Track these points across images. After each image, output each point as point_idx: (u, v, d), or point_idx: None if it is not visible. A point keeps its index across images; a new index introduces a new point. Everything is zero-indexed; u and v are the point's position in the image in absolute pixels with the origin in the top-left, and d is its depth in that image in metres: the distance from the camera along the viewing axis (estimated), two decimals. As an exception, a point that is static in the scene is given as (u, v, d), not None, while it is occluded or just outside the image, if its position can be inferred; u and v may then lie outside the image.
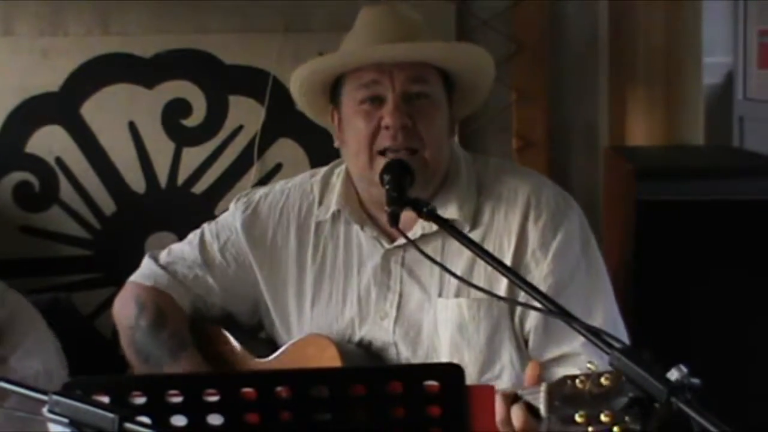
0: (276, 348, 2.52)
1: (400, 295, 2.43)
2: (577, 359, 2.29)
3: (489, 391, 2.05)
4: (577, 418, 1.82)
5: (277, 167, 3.39)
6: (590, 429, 1.80)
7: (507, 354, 2.38)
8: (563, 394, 1.89)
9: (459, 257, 2.36)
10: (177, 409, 1.84)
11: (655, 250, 2.93)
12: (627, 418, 1.78)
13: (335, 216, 2.49)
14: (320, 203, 2.51)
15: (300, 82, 2.49)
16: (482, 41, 3.22)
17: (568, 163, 3.44)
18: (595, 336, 1.83)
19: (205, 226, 2.61)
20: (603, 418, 1.82)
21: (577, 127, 3.47)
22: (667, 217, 2.93)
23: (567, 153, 3.46)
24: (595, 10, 3.44)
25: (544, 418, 2.03)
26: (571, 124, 3.47)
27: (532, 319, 2.37)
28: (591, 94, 3.47)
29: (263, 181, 3.36)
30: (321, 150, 3.34)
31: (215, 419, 1.85)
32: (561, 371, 2.28)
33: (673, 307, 2.91)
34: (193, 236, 2.60)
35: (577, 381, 1.86)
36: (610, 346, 1.80)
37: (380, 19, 2.43)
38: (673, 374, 1.71)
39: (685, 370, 1.71)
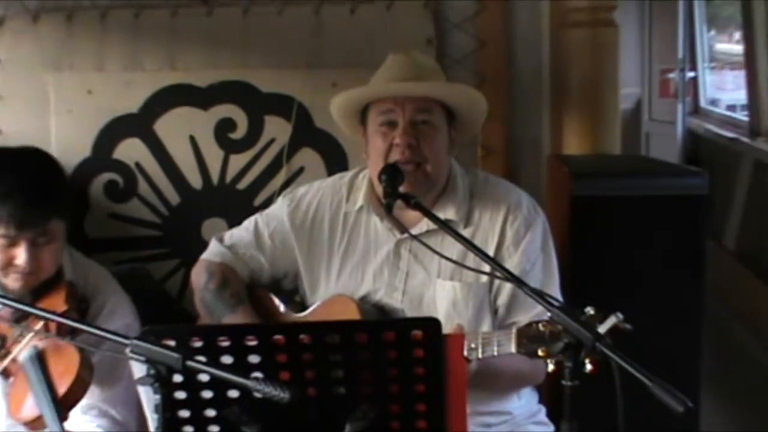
0: (306, 307, 2.52)
1: (407, 275, 2.42)
2: None
3: (460, 338, 2.04)
4: (540, 353, 1.84)
5: (300, 170, 3.37)
6: (548, 361, 1.82)
7: (487, 324, 2.39)
8: (529, 335, 1.90)
9: (454, 248, 2.33)
10: (225, 351, 1.84)
11: (587, 236, 2.91)
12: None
13: (360, 209, 2.48)
14: (348, 199, 2.51)
15: (336, 108, 2.49)
16: (455, 77, 3.19)
17: (520, 167, 3.43)
18: (540, 297, 1.84)
19: (258, 216, 2.60)
20: (540, 353, 1.84)
21: (527, 140, 3.46)
22: (596, 209, 2.92)
23: (519, 160, 3.45)
24: (539, 49, 3.43)
25: (472, 359, 2.03)
26: (523, 137, 3.45)
27: (502, 296, 2.39)
28: (537, 114, 3.46)
29: (290, 180, 3.35)
30: (334, 157, 3.35)
31: (254, 358, 1.85)
32: None
33: (603, 283, 2.87)
34: (249, 223, 2.60)
35: (540, 325, 1.87)
36: (551, 304, 1.81)
37: (400, 63, 2.44)
38: (611, 319, 1.73)
39: (621, 316, 1.73)
